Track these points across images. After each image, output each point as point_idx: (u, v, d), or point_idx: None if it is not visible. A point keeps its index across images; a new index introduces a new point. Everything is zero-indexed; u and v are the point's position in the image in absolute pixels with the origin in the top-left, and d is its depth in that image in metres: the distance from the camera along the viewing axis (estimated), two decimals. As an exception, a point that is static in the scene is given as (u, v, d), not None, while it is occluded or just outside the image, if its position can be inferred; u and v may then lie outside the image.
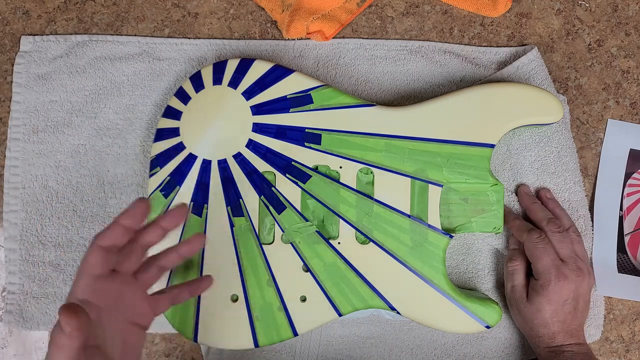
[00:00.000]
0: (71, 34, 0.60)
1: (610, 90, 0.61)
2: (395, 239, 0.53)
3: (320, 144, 0.54)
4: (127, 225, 0.43)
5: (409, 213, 0.53)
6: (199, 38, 0.60)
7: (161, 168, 0.54)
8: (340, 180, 0.54)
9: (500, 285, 0.58)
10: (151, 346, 0.60)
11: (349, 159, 0.54)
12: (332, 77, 0.60)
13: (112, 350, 0.41)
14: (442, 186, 0.54)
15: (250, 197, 0.54)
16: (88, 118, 0.59)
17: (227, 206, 0.54)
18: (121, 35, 0.60)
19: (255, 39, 0.60)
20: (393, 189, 0.54)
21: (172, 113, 0.55)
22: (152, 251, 0.47)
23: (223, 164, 0.54)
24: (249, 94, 0.54)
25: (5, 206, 0.59)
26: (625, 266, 0.60)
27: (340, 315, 0.53)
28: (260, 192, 0.54)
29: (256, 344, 0.53)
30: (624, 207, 0.60)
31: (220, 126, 0.54)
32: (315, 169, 0.54)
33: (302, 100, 0.54)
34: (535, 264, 0.53)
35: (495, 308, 0.53)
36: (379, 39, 0.60)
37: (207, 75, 0.55)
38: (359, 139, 0.54)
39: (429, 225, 0.53)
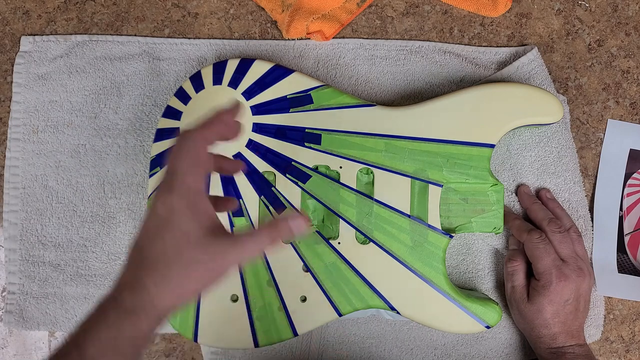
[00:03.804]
0: (71, 34, 0.60)
1: (610, 90, 0.61)
2: (395, 239, 0.53)
3: (320, 144, 0.54)
4: (226, 122, 0.41)
5: (409, 213, 0.53)
6: (199, 38, 0.60)
7: (161, 168, 0.54)
8: (340, 180, 0.54)
9: (500, 285, 0.58)
10: (151, 346, 0.60)
11: (349, 159, 0.54)
12: (332, 77, 0.60)
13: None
14: (442, 186, 0.54)
15: (250, 197, 0.54)
16: (88, 118, 0.59)
17: (227, 206, 0.54)
18: (121, 35, 0.60)
19: (255, 39, 0.60)
20: (393, 189, 0.54)
21: (172, 113, 0.55)
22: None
23: (223, 164, 0.54)
24: (249, 94, 0.54)
25: (5, 206, 0.59)
26: (625, 266, 0.60)
27: (340, 315, 0.53)
28: (260, 192, 0.54)
29: (256, 344, 0.53)
30: (624, 207, 0.60)
31: (220, 126, 0.54)
32: (315, 169, 0.54)
33: (302, 100, 0.54)
34: (536, 264, 0.53)
35: (495, 308, 0.53)
36: (379, 39, 0.60)
37: (207, 75, 0.55)
38: (359, 139, 0.54)
39: (429, 225, 0.53)
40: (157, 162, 0.54)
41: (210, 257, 0.36)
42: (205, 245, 0.36)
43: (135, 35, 0.60)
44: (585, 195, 0.60)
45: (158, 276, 0.36)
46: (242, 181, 0.54)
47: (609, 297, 0.60)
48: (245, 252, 0.37)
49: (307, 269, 0.54)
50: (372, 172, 0.54)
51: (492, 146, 0.53)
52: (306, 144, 0.54)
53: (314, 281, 0.53)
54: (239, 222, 0.54)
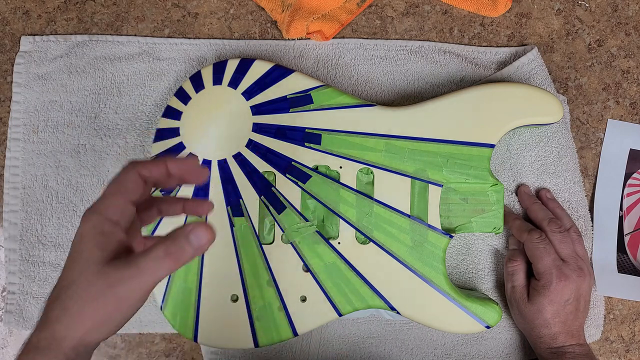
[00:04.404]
0: (71, 34, 0.60)
1: (610, 90, 0.61)
2: (395, 239, 0.53)
3: (320, 144, 0.54)
4: (170, 170, 0.39)
5: (409, 213, 0.54)
6: (199, 38, 0.60)
7: (161, 168, 0.54)
8: (340, 180, 0.54)
9: (500, 285, 0.58)
10: (151, 346, 0.60)
11: (349, 159, 0.54)
12: (332, 77, 0.60)
13: None
14: (442, 186, 0.54)
15: (250, 197, 0.54)
16: (88, 118, 0.59)
17: (227, 206, 0.54)
18: (121, 35, 0.60)
19: (255, 39, 0.60)
20: (393, 189, 0.54)
21: (172, 113, 0.55)
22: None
23: (223, 164, 0.54)
24: (249, 94, 0.54)
25: (5, 206, 0.59)
26: (625, 266, 0.60)
27: (340, 315, 0.53)
28: (260, 192, 0.54)
29: (256, 344, 0.53)
30: (624, 207, 0.60)
31: (220, 126, 0.54)
32: (315, 169, 0.54)
33: (302, 100, 0.54)
34: (536, 264, 0.53)
35: (495, 308, 0.53)
36: (379, 39, 0.60)
37: (207, 75, 0.55)
38: (359, 139, 0.54)
39: (429, 225, 0.53)
40: (157, 162, 0.54)
41: (109, 285, 0.34)
42: (105, 274, 0.35)
43: (135, 35, 0.60)
44: (585, 195, 0.60)
45: (59, 309, 0.34)
46: (242, 181, 0.54)
47: (609, 297, 0.60)
48: (148, 278, 0.35)
49: (307, 268, 0.54)
50: (372, 172, 0.54)
51: (492, 146, 0.53)
52: (306, 144, 0.54)
53: (314, 281, 0.53)
54: (239, 222, 0.54)
